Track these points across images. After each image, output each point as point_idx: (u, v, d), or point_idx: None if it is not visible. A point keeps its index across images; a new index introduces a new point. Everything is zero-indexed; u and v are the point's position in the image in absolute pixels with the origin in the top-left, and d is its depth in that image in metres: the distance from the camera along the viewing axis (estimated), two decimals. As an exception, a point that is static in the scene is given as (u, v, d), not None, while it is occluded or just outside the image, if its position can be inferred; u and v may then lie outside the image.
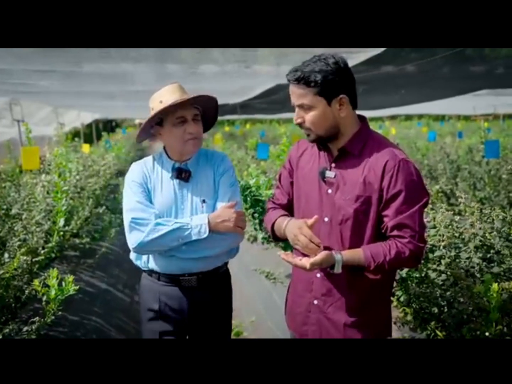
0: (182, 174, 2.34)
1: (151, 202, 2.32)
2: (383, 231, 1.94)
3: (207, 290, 2.37)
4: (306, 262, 1.88)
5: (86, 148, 9.83)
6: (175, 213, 2.31)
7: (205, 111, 2.39)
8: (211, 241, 2.27)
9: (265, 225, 2.30)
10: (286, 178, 2.24)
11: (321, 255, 1.88)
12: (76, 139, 10.14)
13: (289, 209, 2.23)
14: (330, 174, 2.01)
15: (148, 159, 2.43)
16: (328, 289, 2.02)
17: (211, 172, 2.38)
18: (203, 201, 2.34)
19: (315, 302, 2.06)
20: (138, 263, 2.41)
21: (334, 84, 1.91)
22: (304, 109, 1.96)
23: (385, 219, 1.92)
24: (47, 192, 4.57)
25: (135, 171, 2.38)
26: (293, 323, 2.19)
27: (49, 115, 11.93)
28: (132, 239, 2.23)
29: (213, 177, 2.38)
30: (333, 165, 2.02)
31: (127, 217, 2.26)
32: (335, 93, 1.92)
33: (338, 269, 1.90)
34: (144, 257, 2.36)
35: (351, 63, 6.44)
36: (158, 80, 8.18)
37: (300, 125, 2.00)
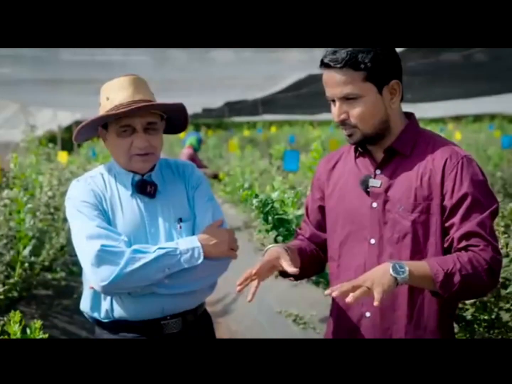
0: (147, 188, 2.31)
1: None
2: (445, 245, 1.95)
3: (191, 336, 2.34)
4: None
5: (63, 156, 9.90)
6: (144, 239, 2.28)
7: (171, 115, 2.37)
8: (201, 269, 2.25)
9: None
10: (314, 202, 2.30)
11: (370, 272, 1.84)
12: (51, 145, 10.17)
13: (316, 241, 2.29)
14: (374, 182, 2.04)
15: (95, 175, 2.37)
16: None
17: (182, 185, 2.41)
18: (180, 220, 2.34)
19: (368, 314, 2.07)
20: (95, 315, 2.34)
21: (386, 66, 1.97)
22: (348, 100, 1.99)
23: (451, 231, 1.93)
24: (9, 214, 4.55)
25: (81, 190, 2.31)
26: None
27: (16, 115, 12.06)
28: (103, 273, 2.15)
29: (185, 190, 2.40)
30: (377, 171, 2.07)
31: (91, 246, 2.17)
32: (387, 78, 1.98)
33: (404, 277, 1.80)
34: (105, 305, 2.29)
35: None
36: (157, 67, 8.23)
37: (343, 122, 2.02)
